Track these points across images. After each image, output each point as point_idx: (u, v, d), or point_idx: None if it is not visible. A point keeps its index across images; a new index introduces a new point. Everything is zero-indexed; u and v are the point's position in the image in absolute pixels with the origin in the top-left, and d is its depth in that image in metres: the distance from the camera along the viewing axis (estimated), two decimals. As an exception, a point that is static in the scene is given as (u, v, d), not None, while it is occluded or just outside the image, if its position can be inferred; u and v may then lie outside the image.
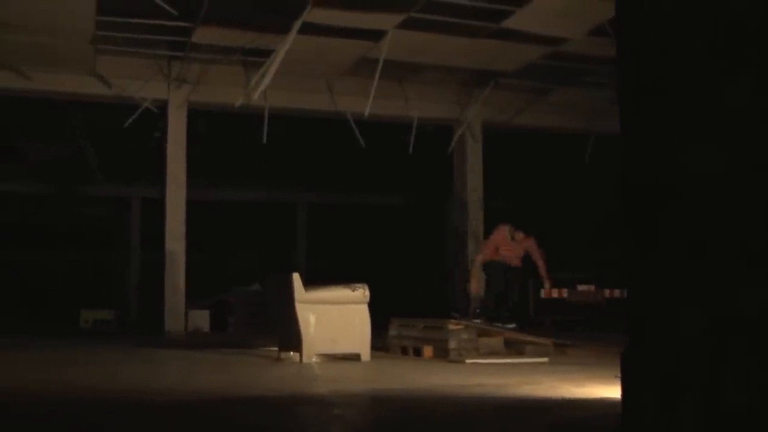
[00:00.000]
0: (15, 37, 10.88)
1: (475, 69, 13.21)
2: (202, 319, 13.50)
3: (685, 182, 2.72)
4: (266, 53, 11.53)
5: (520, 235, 10.79)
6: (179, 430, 4.31)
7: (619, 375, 3.14)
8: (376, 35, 11.35)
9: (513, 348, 8.72)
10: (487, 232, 14.27)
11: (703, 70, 2.68)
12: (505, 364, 7.84)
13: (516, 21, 10.75)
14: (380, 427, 4.47)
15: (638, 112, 2.91)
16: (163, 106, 13.05)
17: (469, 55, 12.08)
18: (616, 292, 14.81)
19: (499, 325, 9.67)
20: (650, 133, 2.86)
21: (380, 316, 8.60)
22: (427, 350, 8.48)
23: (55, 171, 17.85)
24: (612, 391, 5.13)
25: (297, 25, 10.47)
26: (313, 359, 8.02)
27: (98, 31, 11.05)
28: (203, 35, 11.42)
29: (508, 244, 10.74)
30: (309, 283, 8.19)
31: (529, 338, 8.86)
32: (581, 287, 14.87)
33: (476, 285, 11.00)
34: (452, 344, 8.23)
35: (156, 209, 13.77)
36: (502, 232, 10.83)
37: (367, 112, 12.23)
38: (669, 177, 2.78)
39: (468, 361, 7.87)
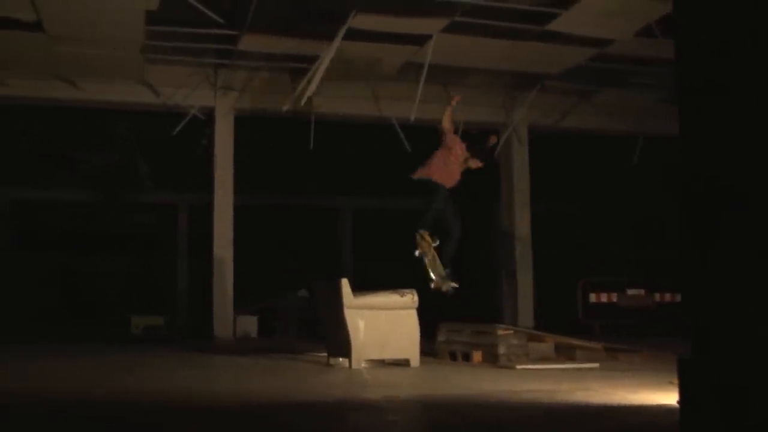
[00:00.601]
0: (67, 48, 11.08)
1: (520, 72, 13.14)
2: (250, 324, 13.59)
3: (749, 183, 2.66)
4: (311, 59, 11.59)
5: (476, 164, 9.54)
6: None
7: (674, 381, 3.09)
8: (420, 40, 11.35)
9: (563, 353, 8.65)
10: (535, 235, 14.23)
11: (765, 69, 2.62)
12: (555, 369, 7.78)
13: (561, 23, 10.67)
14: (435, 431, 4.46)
15: (698, 113, 2.86)
16: (210, 114, 13.19)
17: (513, 58, 12.02)
18: (667, 296, 14.62)
19: (437, 277, 9.01)
20: (711, 134, 2.81)
21: (428, 321, 8.58)
22: (477, 355, 8.44)
23: (105, 179, 18.15)
24: (667, 397, 5.05)
25: (342, 31, 10.51)
26: (362, 365, 8.03)
27: (147, 40, 11.21)
28: (249, 43, 11.51)
29: (458, 161, 9.42)
30: (356, 288, 8.20)
31: (580, 343, 8.78)
32: (631, 291, 14.70)
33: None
34: (502, 349, 8.19)
35: (204, 215, 13.91)
36: (463, 146, 9.47)
37: (412, 116, 12.22)
38: (731, 178, 2.73)
39: (518, 366, 7.83)
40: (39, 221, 19.47)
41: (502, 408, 5.29)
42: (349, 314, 7.98)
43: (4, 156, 16.70)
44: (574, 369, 7.78)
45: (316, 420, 4.92)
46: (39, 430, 4.51)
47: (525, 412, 5.14)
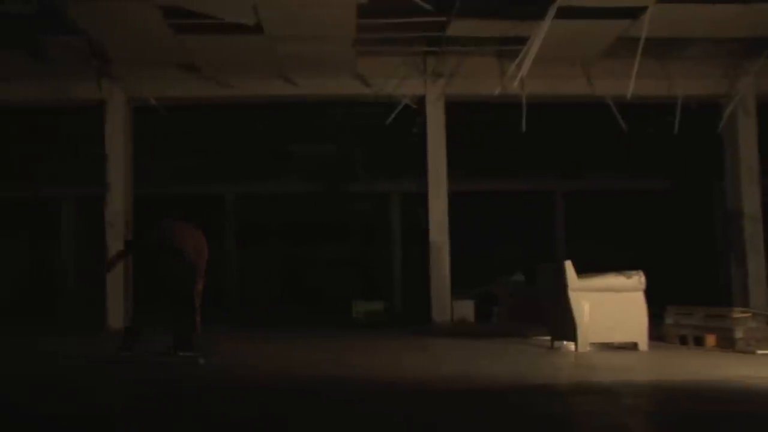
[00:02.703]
0: (284, 48, 11.58)
1: (746, 38, 12.26)
2: (467, 309, 13.65)
3: None
4: (521, 41, 11.41)
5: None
6: (477, 417, 4.36)
7: None
8: (634, 12, 10.87)
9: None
10: (766, 213, 13.29)
11: None
12: (802, 355, 7.25)
13: (797, -23, 9.82)
14: (683, 419, 4.25)
15: None
16: (420, 101, 13.34)
17: (740, 23, 11.19)
18: None
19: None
20: None
21: (649, 303, 8.22)
22: (710, 339, 8.03)
23: (323, 170, 18.88)
24: None
25: (552, 9, 10.26)
26: (588, 348, 7.85)
27: (358, 33, 11.49)
28: (458, 28, 11.49)
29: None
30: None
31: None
32: None
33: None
34: (739, 333, 7.74)
35: (416, 202, 14.10)
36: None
37: (629, 93, 11.74)
38: None
39: (758, 351, 7.35)
40: (263, 214, 20.56)
41: (753, 396, 4.98)
42: (573, 297, 7.83)
43: (229, 153, 17.77)
44: (825, 355, 7.21)
45: (549, 402, 4.85)
46: (285, 403, 4.75)
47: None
